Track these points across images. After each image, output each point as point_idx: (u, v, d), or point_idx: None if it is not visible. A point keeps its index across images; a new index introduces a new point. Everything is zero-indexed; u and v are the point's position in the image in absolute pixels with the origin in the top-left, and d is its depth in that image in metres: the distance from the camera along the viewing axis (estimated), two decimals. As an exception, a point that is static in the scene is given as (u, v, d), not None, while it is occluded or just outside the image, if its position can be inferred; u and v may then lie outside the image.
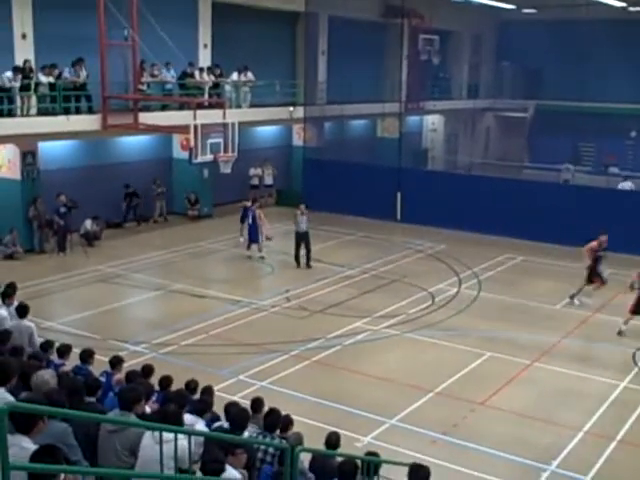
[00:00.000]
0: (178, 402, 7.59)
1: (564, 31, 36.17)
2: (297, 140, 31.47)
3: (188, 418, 7.62)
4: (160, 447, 5.89)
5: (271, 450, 7.69)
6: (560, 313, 18.06)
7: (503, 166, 34.69)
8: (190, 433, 6.29)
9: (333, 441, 8.15)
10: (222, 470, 6.20)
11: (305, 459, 7.72)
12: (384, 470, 8.02)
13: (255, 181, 29.84)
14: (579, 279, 19.02)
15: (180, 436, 6.02)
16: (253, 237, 21.84)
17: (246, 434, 7.61)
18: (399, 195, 26.66)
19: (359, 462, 7.24)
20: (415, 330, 16.41)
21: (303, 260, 21.15)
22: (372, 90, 33.91)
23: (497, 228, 24.54)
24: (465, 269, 21.39)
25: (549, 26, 35.85)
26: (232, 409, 8.10)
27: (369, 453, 7.71)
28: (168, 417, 6.50)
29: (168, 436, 5.96)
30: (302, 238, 21.07)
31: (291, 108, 29.64)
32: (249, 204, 22.68)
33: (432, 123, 40.30)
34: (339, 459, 7.49)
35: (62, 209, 21.88)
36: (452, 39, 39.80)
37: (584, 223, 23.80)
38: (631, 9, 33.99)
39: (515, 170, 34.44)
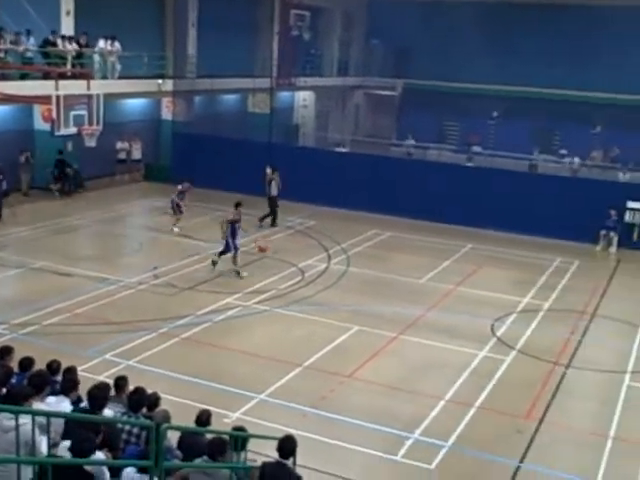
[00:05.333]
0: (39, 383, 7.31)
1: (432, 11, 37.14)
2: (166, 114, 30.83)
3: (52, 400, 7.37)
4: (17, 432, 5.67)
5: (136, 430, 7.53)
6: (425, 287, 18.67)
7: (372, 143, 35.32)
8: (35, 413, 6.06)
9: (203, 418, 8.08)
10: (92, 450, 6.04)
11: (174, 437, 7.65)
12: (254, 445, 8.06)
13: (122, 155, 29.04)
14: (444, 253, 19.73)
15: (25, 420, 5.78)
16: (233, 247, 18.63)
17: (110, 413, 7.44)
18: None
19: (228, 438, 7.25)
20: (285, 305, 16.54)
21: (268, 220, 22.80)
22: (243, 65, 33.60)
23: (366, 204, 25.06)
24: (334, 245, 21.72)
25: (418, 6, 36.57)
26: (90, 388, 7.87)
27: (236, 428, 7.72)
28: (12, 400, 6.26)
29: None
30: (273, 202, 23.01)
31: (160, 81, 28.95)
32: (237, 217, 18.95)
33: (303, 99, 40.44)
34: (209, 436, 7.46)
35: None
36: (323, 15, 39.93)
37: (446, 200, 24.79)
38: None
39: (384, 147, 35.16)
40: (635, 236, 23.39)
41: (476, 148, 35.97)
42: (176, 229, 22.04)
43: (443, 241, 22.88)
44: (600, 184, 25.53)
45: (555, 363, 14.37)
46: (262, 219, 23.36)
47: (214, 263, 18.56)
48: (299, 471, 7.59)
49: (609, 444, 11.41)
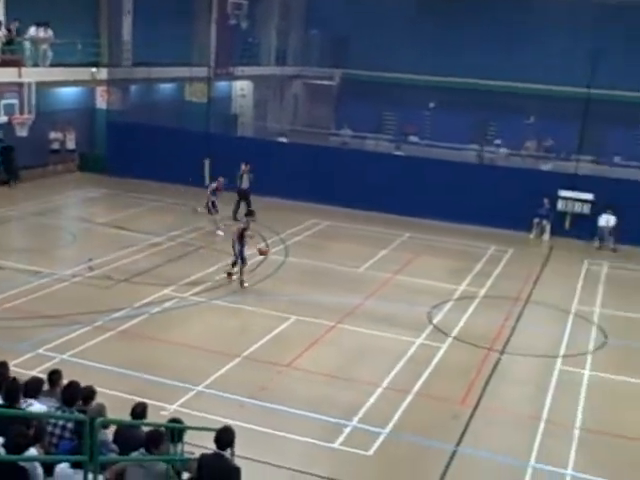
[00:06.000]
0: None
1: (370, 1, 37.29)
2: (101, 103, 30.20)
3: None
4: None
5: (70, 425, 7.42)
6: (363, 276, 18.81)
7: (311, 133, 35.33)
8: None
9: (138, 411, 7.99)
10: (28, 445, 5.93)
11: (111, 431, 7.56)
12: (193, 437, 8.03)
13: (56, 145, 28.38)
14: (382, 242, 19.88)
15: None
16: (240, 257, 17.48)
17: (43, 408, 7.30)
18: (207, 161, 26.42)
19: (165, 430, 7.21)
20: (222, 296, 16.46)
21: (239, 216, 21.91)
22: (181, 53, 33.12)
23: (305, 194, 25.08)
24: (273, 235, 21.69)
25: (356, -4, 36.74)
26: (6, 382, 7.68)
27: (172, 420, 7.67)
28: None
29: None
30: (244, 195, 22.89)
31: (94, 69, 28.37)
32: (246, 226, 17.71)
33: (241, 89, 40.14)
34: (146, 429, 7.40)
35: None
36: (261, 4, 39.63)
37: (383, 189, 24.99)
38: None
39: (322, 137, 35.21)
40: (567, 224, 23.97)
41: (413, 138, 36.35)
42: (220, 232, 21.25)
43: (381, 230, 23.08)
44: (533, 173, 26.11)
45: (490, 349, 14.66)
46: (236, 213, 23.02)
47: (229, 275, 17.49)
48: (238, 462, 7.60)
49: (542, 426, 11.71)
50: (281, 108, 41.39)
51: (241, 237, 17.16)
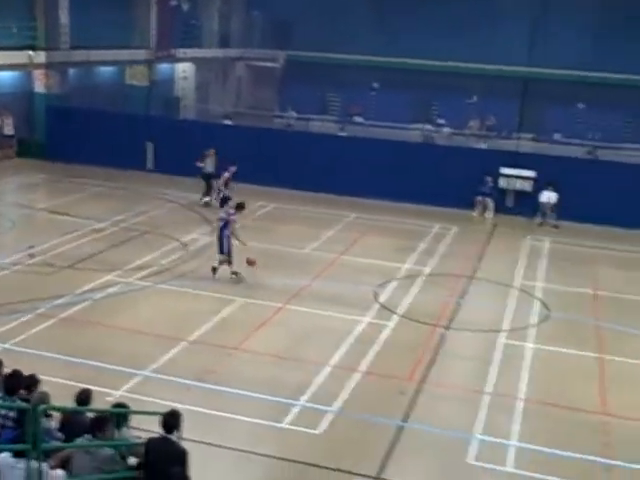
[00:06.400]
0: None
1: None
2: (39, 86, 29.49)
3: None
4: None
5: (12, 414, 7.30)
6: (309, 257, 18.83)
7: (255, 115, 35.15)
8: None
9: (83, 398, 7.92)
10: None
11: (56, 420, 7.47)
12: (140, 422, 7.97)
13: (-7, 131, 27.69)
14: (327, 223, 19.92)
15: None
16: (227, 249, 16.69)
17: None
18: (150, 144, 26.08)
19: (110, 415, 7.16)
20: (168, 281, 16.31)
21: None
22: (120, 36, 32.52)
23: (250, 177, 24.87)
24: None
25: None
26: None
27: (117, 405, 7.61)
28: None
29: None
30: (208, 178, 22.91)
31: (31, 52, 27.68)
32: (232, 211, 16.80)
33: (183, 71, 39.66)
34: (91, 415, 7.33)
35: None
36: (202, -15, 39.25)
37: (328, 170, 25.03)
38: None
39: (267, 119, 35.07)
40: (509, 201, 24.34)
41: (358, 119, 36.45)
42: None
43: (326, 211, 23.13)
44: (476, 152, 26.44)
45: (435, 326, 14.85)
46: (209, 195, 23.12)
47: (234, 274, 16.51)
48: (185, 445, 7.57)
49: (487, 399, 11.92)
50: (224, 90, 41.05)
51: (225, 227, 16.43)
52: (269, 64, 40.81)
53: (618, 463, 10.37)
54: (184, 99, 39.32)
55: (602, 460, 10.44)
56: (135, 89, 32.83)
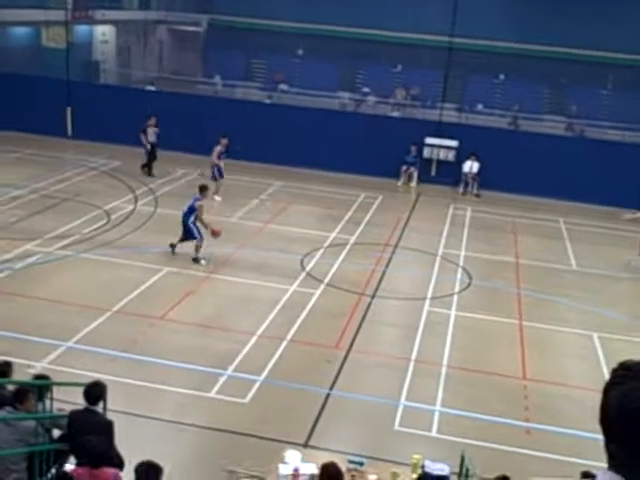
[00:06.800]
0: None
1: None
2: (-52, 48, 28.18)
3: None
4: None
5: None
6: (235, 225, 18.67)
7: (178, 81, 34.43)
8: None
9: (2, 370, 7.70)
10: None
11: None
12: (63, 394, 7.79)
13: None
14: (254, 191, 19.77)
15: None
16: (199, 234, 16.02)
17: None
18: (69, 110, 25.28)
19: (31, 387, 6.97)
20: (90, 250, 15.93)
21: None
22: (36, -5, 31.26)
23: (173, 143, 24.44)
24: (141, 186, 21.14)
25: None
26: None
27: (38, 377, 7.43)
28: None
29: None
30: (152, 148, 22.38)
31: (-61, 11, 26.36)
32: (197, 196, 16.09)
33: (103, 34, 38.39)
34: (11, 387, 7.14)
35: None
36: (121, -56, 37.97)
37: (253, 138, 24.80)
38: None
39: (191, 85, 34.38)
40: (433, 171, 24.66)
41: (283, 86, 36.13)
42: (218, 197, 20.37)
43: (252, 179, 22.95)
44: (400, 121, 26.60)
45: (361, 294, 14.99)
46: (145, 167, 22.63)
47: (196, 260, 15.79)
48: (110, 416, 7.45)
49: (411, 366, 12.13)
50: (146, 55, 40.02)
51: (190, 213, 15.76)
52: (192, 28, 39.93)
53: (536, 425, 10.73)
54: (104, 63, 38.14)
55: (522, 423, 10.78)
56: (52, 52, 31.63)
